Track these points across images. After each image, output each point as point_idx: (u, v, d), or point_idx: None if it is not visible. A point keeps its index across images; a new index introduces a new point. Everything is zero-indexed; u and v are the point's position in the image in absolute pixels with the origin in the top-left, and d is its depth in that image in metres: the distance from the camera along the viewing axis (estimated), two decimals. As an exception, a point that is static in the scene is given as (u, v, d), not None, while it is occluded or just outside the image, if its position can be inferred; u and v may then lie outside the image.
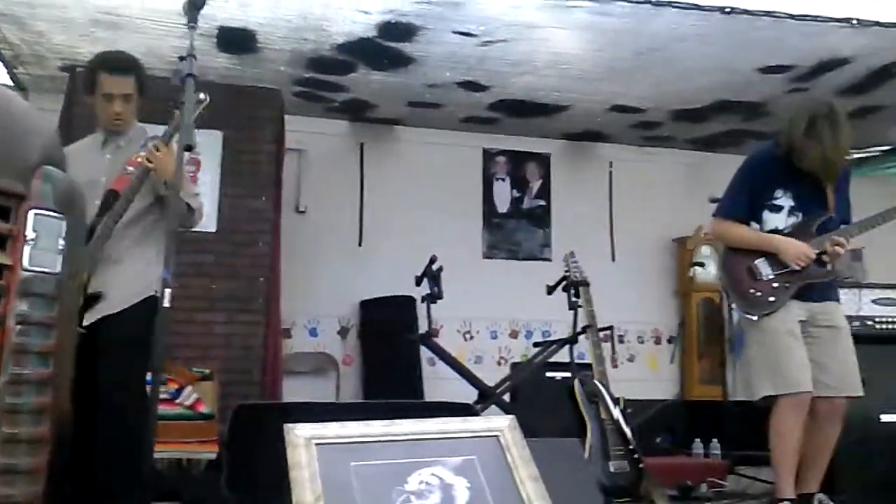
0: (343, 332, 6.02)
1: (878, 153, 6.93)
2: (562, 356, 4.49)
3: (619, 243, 6.55)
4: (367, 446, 1.99)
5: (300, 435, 1.96)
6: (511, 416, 2.04)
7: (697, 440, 5.38)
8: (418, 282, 4.14)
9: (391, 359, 5.74)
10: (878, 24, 4.43)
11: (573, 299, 3.89)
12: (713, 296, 6.19)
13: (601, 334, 3.91)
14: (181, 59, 2.55)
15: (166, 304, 2.27)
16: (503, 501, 1.88)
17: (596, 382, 3.53)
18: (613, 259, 6.53)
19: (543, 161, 6.55)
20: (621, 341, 6.51)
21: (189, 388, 4.11)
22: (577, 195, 6.55)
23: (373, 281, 5.88)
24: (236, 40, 4.65)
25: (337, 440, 1.97)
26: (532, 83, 5.27)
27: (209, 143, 5.03)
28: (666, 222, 6.59)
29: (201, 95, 2.68)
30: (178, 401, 4.07)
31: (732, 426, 5.08)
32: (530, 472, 1.93)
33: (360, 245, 6.11)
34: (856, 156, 6.82)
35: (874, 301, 4.29)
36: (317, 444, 1.95)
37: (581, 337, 3.90)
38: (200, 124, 5.00)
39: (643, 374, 6.46)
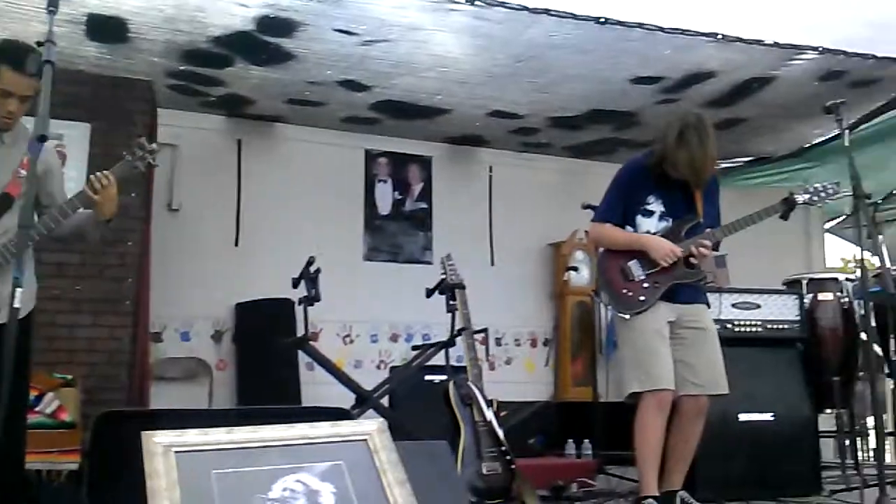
0: (217, 336, 5.83)
1: (741, 163, 7.32)
2: (441, 359, 4.50)
3: (497, 247, 6.63)
4: (229, 453, 1.92)
5: (158, 442, 1.88)
6: (380, 420, 2.02)
7: (570, 441, 5.50)
8: (295, 284, 4.06)
9: (268, 364, 5.60)
10: (740, 39, 4.66)
11: (451, 302, 3.91)
12: (586, 299, 6.36)
13: (477, 336, 3.96)
14: (39, 44, 2.41)
15: (17, 304, 2.14)
16: (370, 506, 1.85)
17: (470, 385, 3.56)
18: (493, 263, 6.60)
19: (425, 164, 6.56)
20: (499, 344, 6.59)
21: (50, 395, 3.90)
22: (458, 199, 6.59)
23: (249, 283, 5.73)
24: (107, 28, 4.43)
25: (197, 448, 1.89)
26: (413, 85, 5.27)
27: (76, 136, 4.78)
28: (543, 227, 6.72)
29: (153, 146, 2.69)
30: (38, 409, 3.85)
31: (603, 426, 5.22)
32: (398, 475, 1.91)
33: (236, 245, 5.94)
34: (721, 166, 7.21)
35: (734, 305, 4.52)
36: (176, 452, 1.87)
37: (458, 339, 3.91)
38: (68, 115, 4.77)
39: (520, 377, 6.56)
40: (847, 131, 3.21)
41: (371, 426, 2.01)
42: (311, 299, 3.96)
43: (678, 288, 3.49)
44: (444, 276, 3.86)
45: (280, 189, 6.06)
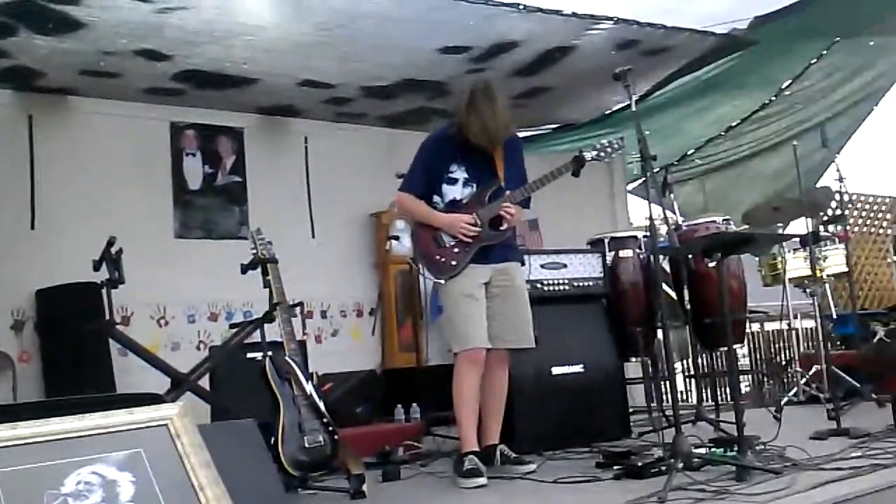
0: (18, 326, 5.41)
1: (549, 130, 7.63)
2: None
3: (318, 220, 6.55)
4: (14, 450, 1.78)
5: (-74, 447, 1.71)
6: (181, 403, 1.95)
7: (398, 406, 5.58)
8: (96, 266, 3.81)
9: (76, 353, 5.25)
10: (540, 10, 4.83)
11: (266, 277, 3.83)
12: (408, 267, 6.42)
13: (296, 310, 3.91)
14: None
15: None
16: (172, 492, 1.78)
17: (288, 359, 3.51)
18: (313, 235, 6.52)
19: (237, 136, 6.34)
20: (325, 316, 6.55)
21: None
22: (274, 171, 6.44)
23: (50, 268, 5.34)
24: None
25: (-25, 448, 1.75)
26: (218, 53, 5.06)
27: None
28: (362, 198, 6.69)
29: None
30: None
31: (429, 390, 5.33)
32: (201, 458, 1.86)
33: (32, 228, 5.51)
34: (530, 133, 7.49)
35: (542, 266, 4.72)
36: (-51, 456, 1.72)
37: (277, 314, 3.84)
38: None
39: (347, 347, 6.55)
40: (634, 97, 3.37)
41: (171, 410, 1.94)
42: (114, 282, 3.74)
43: (490, 249, 3.62)
44: (254, 251, 3.76)
45: (78, 166, 5.67)
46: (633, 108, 3.45)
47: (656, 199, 3.63)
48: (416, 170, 3.67)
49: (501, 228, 3.64)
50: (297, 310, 4.10)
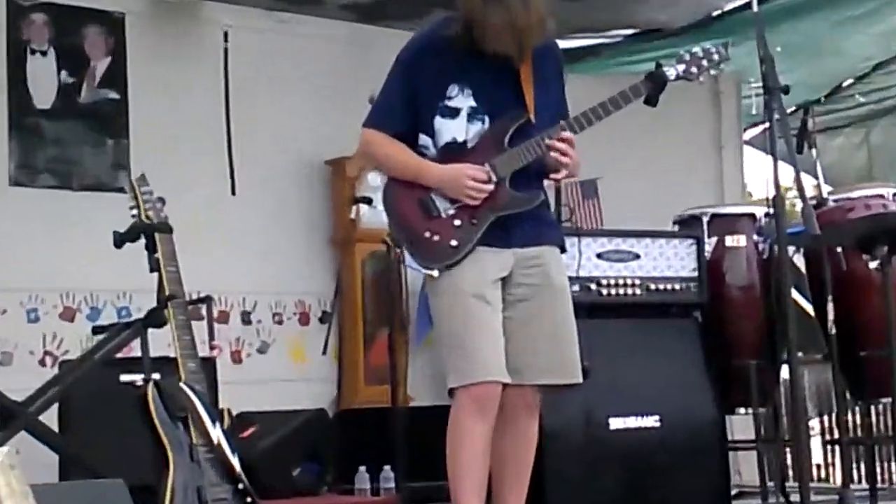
0: None
1: (619, 38, 7.59)
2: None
3: (242, 166, 6.56)
4: None
5: None
6: (6, 450, 1.96)
7: (362, 469, 5.60)
8: None
9: None
10: None
11: (153, 255, 3.85)
12: (385, 248, 6.41)
13: (200, 309, 3.93)
14: None
15: None
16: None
17: (183, 387, 3.52)
18: (234, 192, 6.54)
19: (114, 25, 6.33)
20: (247, 321, 6.57)
21: None
22: (173, 85, 6.44)
23: None
24: None
25: None
26: None
27: None
28: (314, 135, 6.71)
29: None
30: None
31: (411, 445, 5.34)
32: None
33: None
34: (578, 42, 7.46)
35: (600, 255, 4.75)
36: None
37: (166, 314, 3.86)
38: None
39: (283, 372, 6.60)
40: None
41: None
42: None
43: (512, 224, 3.62)
44: (136, 213, 3.77)
45: None
46: (756, 8, 3.42)
47: (788, 157, 3.61)
48: (393, 93, 3.65)
49: (538, 185, 3.64)
50: (204, 309, 4.10)
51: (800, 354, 4.05)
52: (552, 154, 3.55)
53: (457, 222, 3.56)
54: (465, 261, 3.54)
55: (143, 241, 3.87)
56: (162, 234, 3.77)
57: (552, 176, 3.66)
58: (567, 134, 3.56)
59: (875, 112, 8.74)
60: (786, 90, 3.40)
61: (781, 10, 6.83)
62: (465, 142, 3.61)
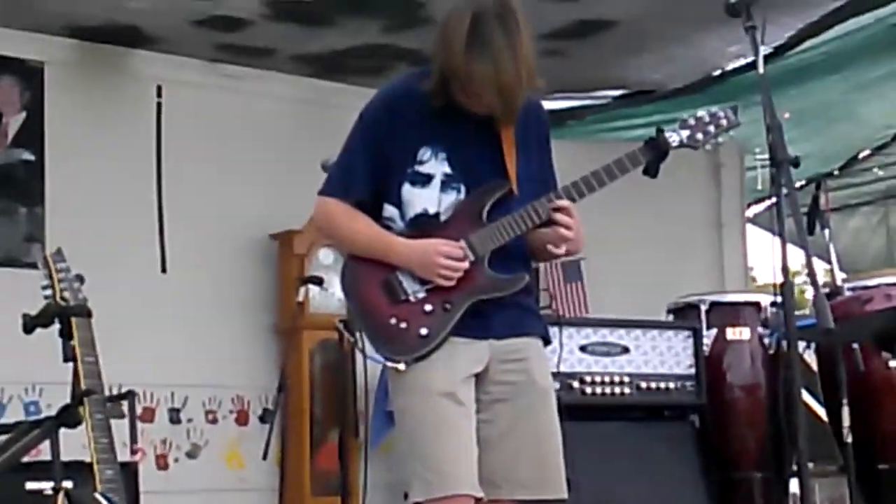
0: None
1: (607, 100, 7.66)
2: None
3: (174, 240, 6.58)
4: None
5: None
6: None
7: None
8: None
9: None
10: None
11: (69, 342, 3.82)
12: (337, 336, 6.40)
13: (121, 406, 3.89)
14: None
15: None
16: None
17: (99, 498, 3.48)
18: (164, 269, 6.55)
19: (30, 76, 6.36)
20: (175, 420, 6.54)
21: None
22: (96, 146, 6.44)
23: None
24: None
25: None
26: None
27: None
28: (259, 204, 6.74)
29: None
30: None
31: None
32: None
33: None
34: (565, 104, 7.52)
35: (584, 349, 4.74)
36: None
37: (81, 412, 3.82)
38: None
39: (215, 480, 6.58)
40: (763, 50, 3.40)
41: None
42: None
43: (487, 309, 3.60)
44: (49, 293, 3.74)
45: None
46: (761, 70, 3.45)
47: (798, 238, 3.62)
48: (355, 155, 3.59)
49: (521, 267, 3.62)
50: (125, 406, 4.06)
51: (811, 466, 4.03)
52: (558, 220, 3.52)
53: (427, 307, 3.51)
54: (436, 353, 3.51)
55: (56, 326, 3.82)
56: (79, 318, 3.73)
57: (551, 249, 3.61)
58: (565, 202, 3.54)
59: (895, 188, 8.80)
60: (796, 162, 3.41)
61: (790, 72, 6.92)
62: (437, 214, 3.56)
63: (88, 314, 3.78)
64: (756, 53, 3.44)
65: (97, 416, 3.64)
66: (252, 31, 6.32)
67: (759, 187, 8.07)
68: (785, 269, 3.49)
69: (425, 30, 6.12)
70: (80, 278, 3.89)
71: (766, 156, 3.62)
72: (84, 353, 3.72)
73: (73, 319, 3.74)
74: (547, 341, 3.76)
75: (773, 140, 3.41)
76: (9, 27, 6.15)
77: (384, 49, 6.50)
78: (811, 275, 3.59)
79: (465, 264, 3.51)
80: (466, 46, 3.36)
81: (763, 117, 3.49)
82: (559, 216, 3.52)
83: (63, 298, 3.76)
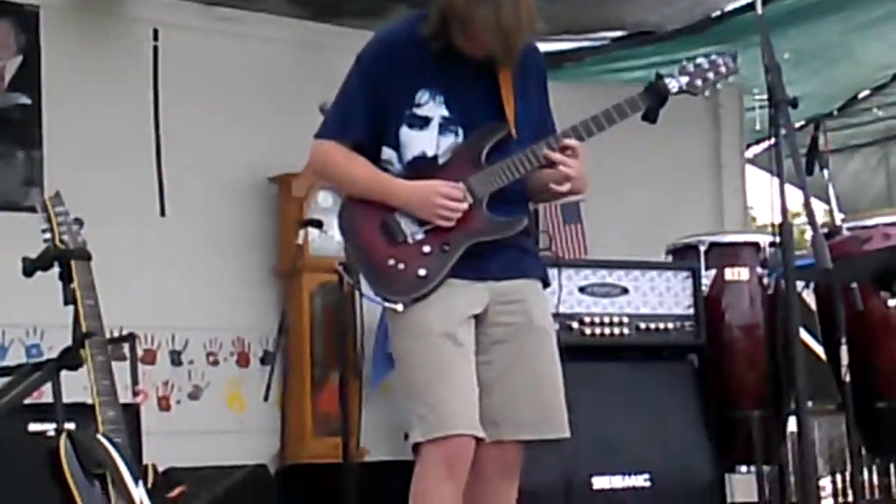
0: None
1: (606, 42, 7.63)
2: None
3: (172, 184, 6.56)
4: None
5: None
6: None
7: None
8: None
9: None
10: None
11: (68, 285, 3.82)
12: (337, 278, 6.40)
13: (122, 348, 3.91)
14: None
15: None
16: None
17: (101, 438, 3.49)
18: (163, 213, 6.54)
19: (26, 20, 6.31)
20: (177, 361, 6.55)
21: None
22: (93, 90, 6.41)
23: None
24: None
25: None
26: None
27: None
28: (256, 148, 6.72)
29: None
30: None
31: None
32: None
33: None
34: (573, 46, 7.50)
35: (582, 289, 4.74)
36: None
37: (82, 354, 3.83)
38: None
39: (216, 421, 6.59)
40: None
41: None
42: None
43: (486, 251, 3.60)
44: (48, 236, 3.75)
45: None
46: (760, 11, 3.44)
47: (797, 178, 3.63)
48: (352, 97, 3.61)
49: (520, 209, 3.63)
50: (126, 348, 4.08)
51: (809, 404, 4.05)
52: (558, 161, 3.53)
53: (426, 249, 3.52)
54: (434, 294, 3.52)
55: (56, 269, 3.83)
56: (79, 261, 3.73)
57: (553, 188, 3.58)
58: (572, 141, 3.53)
59: (895, 128, 8.78)
60: (794, 103, 3.42)
61: (789, 13, 6.89)
62: (435, 156, 3.56)
63: (88, 257, 3.79)
64: (756, -9, 3.43)
65: (98, 358, 3.65)
66: (248, -27, 6.31)
67: (758, 128, 8.07)
68: (783, 210, 3.50)
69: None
70: (79, 221, 3.88)
71: (765, 97, 3.63)
72: (84, 295, 3.73)
73: (73, 262, 3.74)
74: (546, 283, 3.78)
75: (771, 81, 3.41)
76: (5, -30, 6.12)
77: (383, -10, 6.47)
78: (810, 215, 3.60)
79: (465, 205, 3.52)
80: None
81: (761, 58, 3.49)
82: (560, 156, 3.53)
83: (62, 241, 3.77)
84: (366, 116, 3.57)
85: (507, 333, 3.61)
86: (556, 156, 3.52)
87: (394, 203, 3.54)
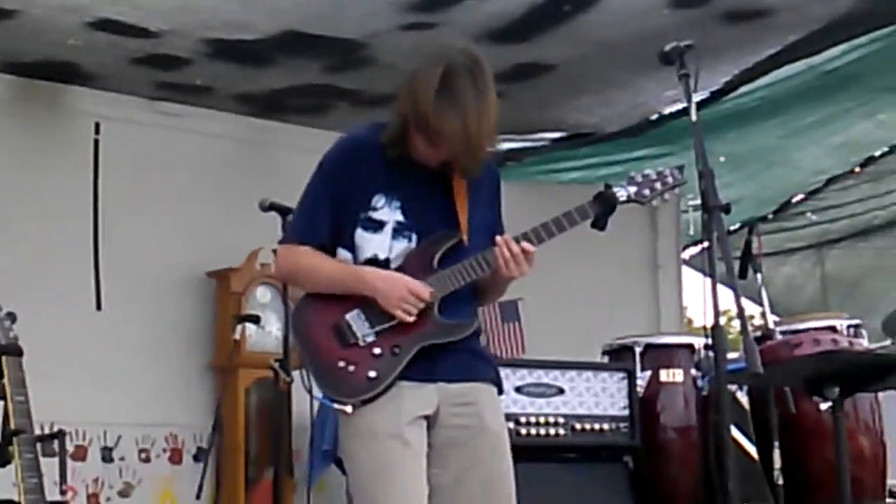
0: None
1: (545, 142, 7.70)
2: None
3: (109, 278, 6.54)
4: None
5: None
6: None
7: None
8: None
9: None
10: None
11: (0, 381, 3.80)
12: (272, 374, 6.37)
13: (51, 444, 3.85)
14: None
15: None
16: None
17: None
18: (99, 306, 6.51)
19: (-34, 112, 6.32)
20: (108, 458, 6.48)
21: None
22: (31, 180, 6.40)
23: None
24: None
25: None
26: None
27: None
28: (196, 241, 6.71)
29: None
30: None
31: None
32: None
33: None
34: (509, 146, 7.55)
35: (519, 390, 4.73)
36: None
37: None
38: None
39: (148, 521, 6.48)
40: (696, 96, 3.44)
41: None
42: None
43: (436, 353, 3.60)
44: (-17, 331, 3.72)
45: None
46: (694, 118, 3.50)
47: (730, 282, 3.66)
48: (315, 205, 3.65)
49: (468, 318, 3.63)
50: (56, 445, 4.02)
51: (744, 505, 4.07)
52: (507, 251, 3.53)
53: (376, 351, 3.52)
54: (384, 396, 3.50)
55: (-12, 363, 3.81)
56: (9, 356, 3.71)
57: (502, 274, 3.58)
58: (528, 246, 3.56)
59: (829, 232, 8.87)
60: (727, 209, 3.46)
61: (727, 117, 7.00)
62: (387, 259, 3.58)
63: (19, 353, 3.76)
64: (689, 101, 3.49)
65: (27, 455, 3.62)
66: (191, 69, 6.32)
67: (692, 232, 8.15)
68: (716, 313, 3.52)
69: (366, 70, 6.18)
70: (12, 316, 3.86)
71: (699, 201, 3.68)
72: (14, 392, 3.70)
73: (4, 358, 3.71)
74: (500, 387, 3.77)
75: (704, 187, 3.45)
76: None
77: (324, 89, 6.50)
78: (741, 318, 3.63)
79: (422, 305, 3.53)
80: (436, 99, 3.40)
81: (694, 161, 3.53)
82: (508, 253, 3.54)
83: (-7, 335, 3.74)
84: (329, 220, 3.60)
85: (460, 436, 3.58)
86: (506, 252, 3.55)
87: (361, 289, 3.54)
